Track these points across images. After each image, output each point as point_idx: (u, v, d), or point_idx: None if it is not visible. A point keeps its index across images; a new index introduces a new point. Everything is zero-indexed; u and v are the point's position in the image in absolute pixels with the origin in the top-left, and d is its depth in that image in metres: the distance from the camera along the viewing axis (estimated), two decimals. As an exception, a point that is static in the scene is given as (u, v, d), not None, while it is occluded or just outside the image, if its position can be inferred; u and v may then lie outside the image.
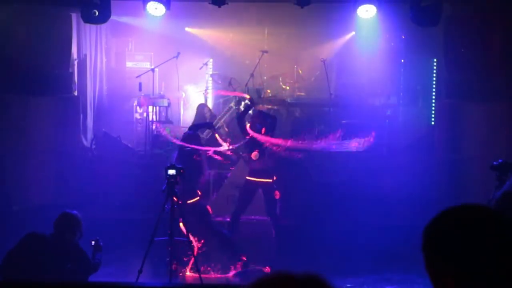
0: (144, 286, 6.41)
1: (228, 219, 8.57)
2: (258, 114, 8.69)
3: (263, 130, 8.23)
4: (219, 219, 9.28)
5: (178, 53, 11.33)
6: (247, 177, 8.27)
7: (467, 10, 9.91)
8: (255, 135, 8.14)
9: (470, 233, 1.64)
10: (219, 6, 9.15)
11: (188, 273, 7.61)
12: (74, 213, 5.78)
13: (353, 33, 12.19)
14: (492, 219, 1.67)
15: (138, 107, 12.09)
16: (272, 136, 8.37)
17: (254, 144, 8.16)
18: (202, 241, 7.71)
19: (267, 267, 7.80)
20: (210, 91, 12.82)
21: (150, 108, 11.41)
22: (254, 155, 8.11)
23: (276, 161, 8.37)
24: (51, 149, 9.94)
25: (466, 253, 1.62)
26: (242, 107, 11.22)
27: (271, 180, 8.18)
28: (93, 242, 5.96)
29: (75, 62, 10.99)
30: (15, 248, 5.54)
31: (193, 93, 13.18)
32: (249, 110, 8.98)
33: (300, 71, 12.61)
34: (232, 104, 11.38)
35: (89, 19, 9.12)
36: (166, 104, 11.56)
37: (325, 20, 11.71)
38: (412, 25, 9.20)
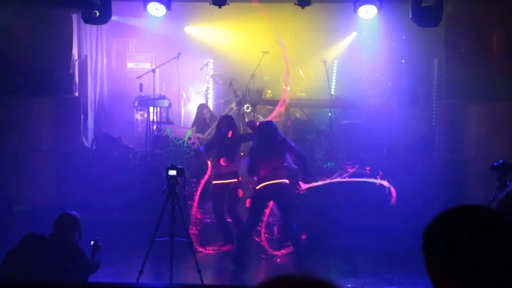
0: (145, 286, 6.41)
1: (229, 220, 8.58)
2: (225, 117, 8.85)
3: (229, 133, 8.33)
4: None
5: (179, 54, 11.34)
6: (214, 181, 8.46)
7: (468, 10, 9.91)
8: None
9: (470, 234, 1.63)
10: (220, 7, 9.16)
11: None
12: (73, 213, 5.78)
13: (355, 33, 12.19)
14: (493, 219, 1.67)
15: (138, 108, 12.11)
16: (240, 139, 8.69)
17: (224, 149, 8.36)
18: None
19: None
20: (210, 91, 12.84)
21: (151, 108, 11.42)
22: (223, 160, 8.32)
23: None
24: (51, 150, 9.93)
25: (467, 254, 1.62)
26: (244, 109, 11.25)
27: (236, 180, 8.38)
28: (92, 242, 5.96)
29: (76, 63, 11.00)
30: (15, 249, 5.54)
31: (194, 93, 13.20)
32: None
33: (301, 72, 12.61)
34: (233, 105, 11.39)
35: (89, 19, 9.12)
36: (166, 105, 11.57)
37: (326, 20, 11.72)
38: (413, 26, 9.20)
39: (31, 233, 5.63)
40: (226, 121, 8.59)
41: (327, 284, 1.41)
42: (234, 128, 8.55)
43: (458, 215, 1.69)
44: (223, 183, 8.36)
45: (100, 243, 5.99)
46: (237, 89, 11.50)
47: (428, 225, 1.72)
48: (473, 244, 1.62)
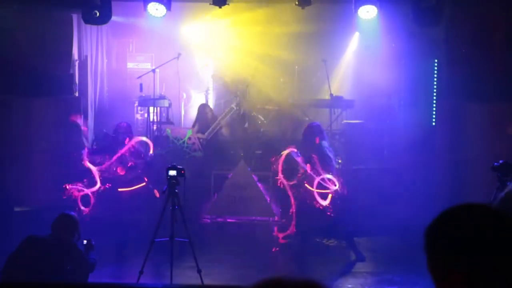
0: (145, 286, 6.42)
1: (229, 220, 8.57)
2: (124, 125, 8.98)
3: (126, 140, 8.55)
4: (220, 219, 9.30)
5: (179, 54, 11.33)
6: (120, 189, 8.57)
7: (468, 10, 9.91)
8: None
9: (473, 233, 1.63)
10: (220, 7, 9.17)
11: None
12: (72, 214, 5.79)
13: (356, 33, 12.18)
14: (494, 216, 1.67)
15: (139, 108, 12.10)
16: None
17: (121, 157, 8.50)
18: None
19: None
20: (211, 91, 12.84)
21: (151, 109, 11.41)
22: (119, 169, 8.51)
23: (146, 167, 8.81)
24: (51, 150, 9.93)
25: (473, 251, 1.61)
26: (234, 106, 11.25)
27: (144, 184, 8.46)
28: (85, 242, 5.95)
29: (76, 63, 10.99)
30: (15, 252, 5.54)
31: (194, 93, 13.20)
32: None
33: (301, 72, 12.61)
34: (233, 105, 11.38)
35: (90, 20, 9.12)
36: (167, 105, 11.57)
37: (326, 20, 11.71)
38: (413, 26, 9.20)
39: (30, 235, 5.64)
40: (124, 129, 8.72)
41: (317, 285, 1.41)
42: (131, 135, 8.73)
43: (461, 213, 1.70)
44: (129, 190, 8.45)
45: (93, 243, 5.98)
46: (237, 89, 11.49)
47: (430, 225, 1.72)
48: (478, 241, 1.62)
